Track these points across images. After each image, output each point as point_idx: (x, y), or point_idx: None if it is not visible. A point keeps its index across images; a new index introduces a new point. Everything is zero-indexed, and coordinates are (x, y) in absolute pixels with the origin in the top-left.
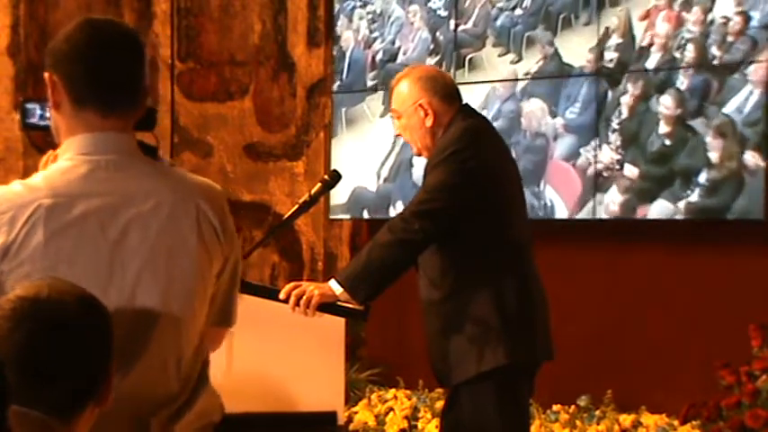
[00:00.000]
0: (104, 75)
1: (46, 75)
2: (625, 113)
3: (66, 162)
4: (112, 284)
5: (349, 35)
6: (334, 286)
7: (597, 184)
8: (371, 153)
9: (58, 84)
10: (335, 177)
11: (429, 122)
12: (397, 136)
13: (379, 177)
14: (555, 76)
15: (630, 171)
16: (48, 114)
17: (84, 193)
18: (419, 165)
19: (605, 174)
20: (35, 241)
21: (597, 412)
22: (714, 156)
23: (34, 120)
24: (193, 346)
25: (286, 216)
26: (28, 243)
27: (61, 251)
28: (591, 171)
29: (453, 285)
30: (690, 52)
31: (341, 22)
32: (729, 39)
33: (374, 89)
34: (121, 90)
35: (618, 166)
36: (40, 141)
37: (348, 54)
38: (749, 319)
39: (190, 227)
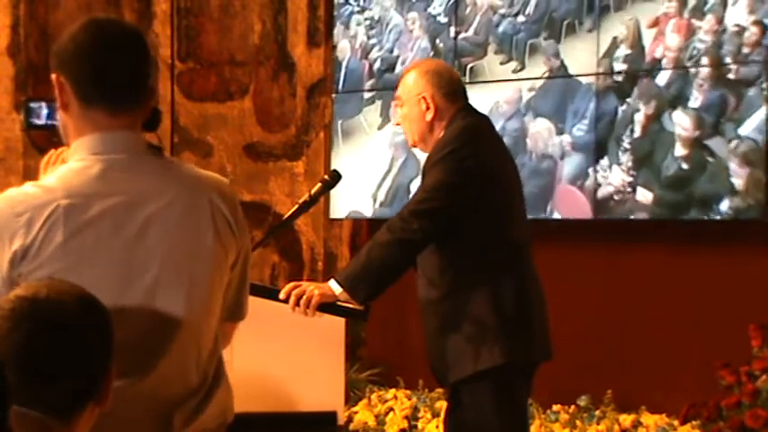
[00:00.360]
0: (110, 74)
1: (53, 76)
2: (637, 132)
3: (78, 162)
4: (132, 284)
5: (345, 44)
6: (334, 286)
7: (608, 208)
8: (368, 170)
9: (65, 85)
10: (335, 177)
11: (429, 116)
12: (396, 125)
13: (375, 201)
14: (563, 76)
15: (644, 195)
16: (54, 114)
17: (99, 193)
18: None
19: (616, 197)
20: (55, 242)
21: (597, 412)
22: (738, 182)
23: (40, 120)
24: (211, 341)
25: (286, 216)
26: (47, 244)
27: (81, 252)
28: (600, 193)
29: (451, 284)
30: (704, 66)
31: (337, 30)
32: (745, 50)
33: (371, 100)
34: (128, 88)
35: (630, 189)
36: (41, 141)
37: (344, 63)
38: (749, 319)
39: (206, 223)
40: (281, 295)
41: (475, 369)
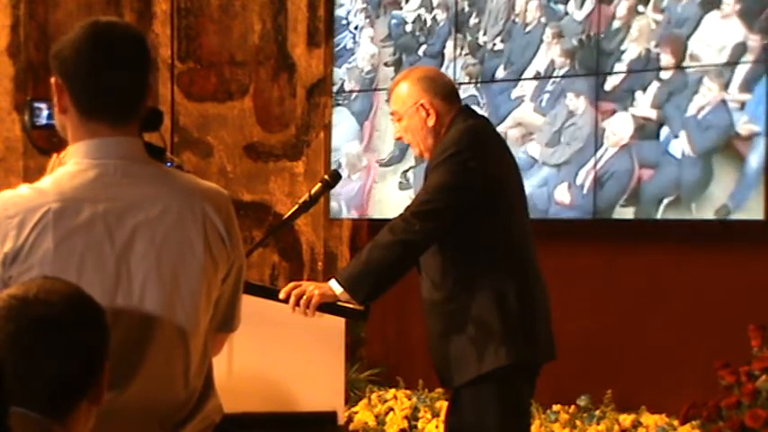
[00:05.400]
0: (110, 85)
1: (52, 79)
2: None
3: (73, 166)
4: (119, 291)
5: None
6: (335, 286)
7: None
8: None
9: (64, 90)
10: (335, 177)
11: (431, 122)
12: (398, 139)
13: None
14: None
15: None
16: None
17: (91, 198)
18: None
19: None
20: (44, 246)
21: (597, 412)
22: None
23: (42, 120)
24: (199, 353)
25: (286, 216)
26: (37, 248)
27: (70, 257)
28: None
29: (454, 286)
30: None
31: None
32: None
33: None
34: (128, 101)
35: None
36: (42, 142)
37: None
38: (749, 319)
39: (196, 233)
40: (281, 295)
41: (479, 371)
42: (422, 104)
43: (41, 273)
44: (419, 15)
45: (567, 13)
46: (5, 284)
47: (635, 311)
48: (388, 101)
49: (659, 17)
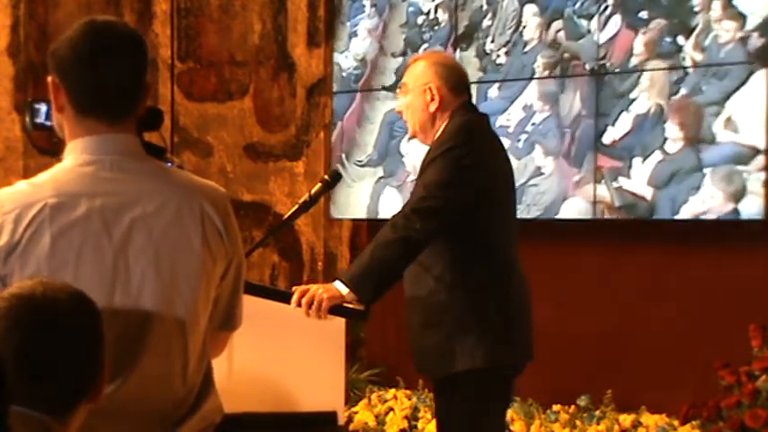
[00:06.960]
0: (107, 85)
1: (49, 78)
2: None
3: (71, 162)
4: (117, 286)
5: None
6: (340, 287)
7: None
8: None
9: (61, 89)
10: (335, 177)
11: (433, 107)
12: (398, 113)
13: None
14: None
15: None
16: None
17: (87, 193)
18: None
19: None
20: (42, 242)
21: (597, 412)
22: None
23: (41, 120)
24: (198, 349)
25: (286, 216)
26: (34, 243)
27: (68, 252)
28: None
29: (438, 282)
30: None
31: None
32: None
33: None
34: (125, 101)
35: None
36: (42, 142)
37: None
38: (749, 319)
39: (194, 229)
40: (293, 305)
41: (453, 369)
42: (429, 87)
43: (39, 268)
44: (429, 11)
45: (589, 31)
46: (3, 282)
47: (635, 311)
48: (399, 80)
49: (699, 56)
